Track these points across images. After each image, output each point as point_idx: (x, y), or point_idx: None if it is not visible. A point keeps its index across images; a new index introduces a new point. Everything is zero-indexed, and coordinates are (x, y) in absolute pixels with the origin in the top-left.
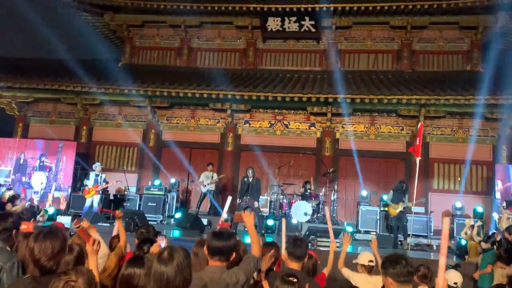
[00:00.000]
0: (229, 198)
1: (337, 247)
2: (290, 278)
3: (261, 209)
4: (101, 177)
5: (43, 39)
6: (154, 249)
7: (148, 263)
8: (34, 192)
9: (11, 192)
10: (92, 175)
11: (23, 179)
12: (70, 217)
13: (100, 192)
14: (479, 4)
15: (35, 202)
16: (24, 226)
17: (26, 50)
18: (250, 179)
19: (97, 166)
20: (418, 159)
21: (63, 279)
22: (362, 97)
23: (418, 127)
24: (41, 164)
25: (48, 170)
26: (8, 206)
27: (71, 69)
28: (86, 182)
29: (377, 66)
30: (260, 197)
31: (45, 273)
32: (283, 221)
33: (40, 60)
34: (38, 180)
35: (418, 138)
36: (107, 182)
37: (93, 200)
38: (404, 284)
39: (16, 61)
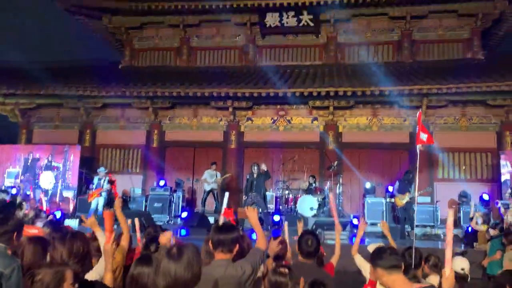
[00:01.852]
0: (226, 194)
1: (343, 239)
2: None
3: (267, 205)
4: (104, 180)
5: (43, 44)
6: (162, 239)
7: (156, 261)
8: (43, 191)
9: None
10: (95, 179)
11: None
12: (77, 220)
13: (103, 194)
14: None
15: (44, 202)
16: (35, 231)
17: (26, 56)
18: (255, 175)
19: (100, 171)
20: (418, 147)
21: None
22: (363, 89)
23: (417, 116)
24: (49, 164)
25: (56, 169)
26: (17, 212)
27: (73, 74)
28: (91, 186)
29: (377, 57)
30: (266, 192)
31: None
32: (285, 226)
33: (40, 66)
34: (47, 179)
35: (417, 127)
36: (112, 183)
37: (98, 203)
38: (393, 271)
39: (17, 67)
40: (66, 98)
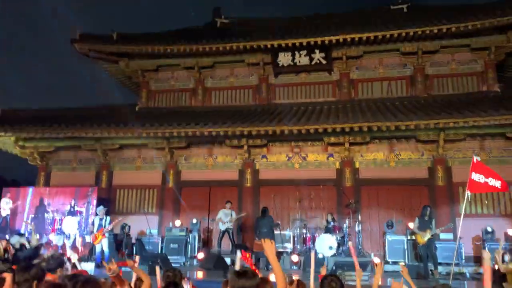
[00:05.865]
0: (239, 254)
1: (365, 280)
2: None
3: (285, 244)
4: (105, 220)
5: (60, 88)
6: None
7: None
8: (66, 237)
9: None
10: (96, 220)
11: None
12: (93, 263)
13: (107, 235)
14: (489, 25)
15: (67, 248)
16: (49, 278)
17: (45, 101)
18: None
19: (100, 210)
20: (468, 193)
21: None
22: (378, 124)
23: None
24: (72, 209)
25: (79, 214)
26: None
27: (90, 116)
28: (90, 228)
29: (391, 93)
30: (282, 232)
31: None
32: (312, 255)
33: (59, 110)
34: (70, 225)
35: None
36: (110, 222)
37: (102, 245)
38: None
39: (36, 112)
40: (83, 140)
